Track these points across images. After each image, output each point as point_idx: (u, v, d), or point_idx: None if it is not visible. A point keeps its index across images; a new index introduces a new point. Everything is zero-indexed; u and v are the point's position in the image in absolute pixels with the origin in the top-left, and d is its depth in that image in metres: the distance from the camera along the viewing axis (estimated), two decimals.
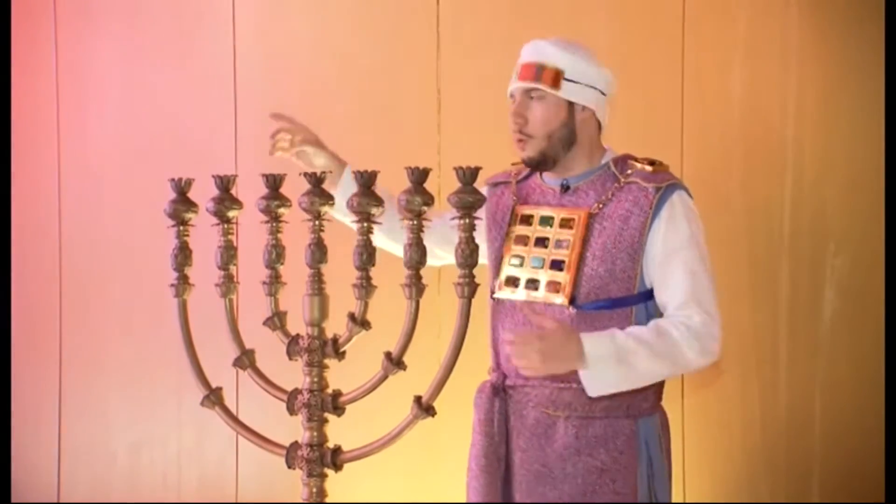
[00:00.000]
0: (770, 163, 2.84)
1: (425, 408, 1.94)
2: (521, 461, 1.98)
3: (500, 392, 2.01)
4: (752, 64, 2.85)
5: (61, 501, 3.45)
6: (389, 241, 2.16)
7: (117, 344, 3.39)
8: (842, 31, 2.80)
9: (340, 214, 2.14)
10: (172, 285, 2.11)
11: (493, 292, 2.06)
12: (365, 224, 1.91)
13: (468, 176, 1.84)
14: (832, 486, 2.81)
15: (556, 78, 1.97)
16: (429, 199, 1.87)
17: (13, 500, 3.32)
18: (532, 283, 1.97)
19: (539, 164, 2.01)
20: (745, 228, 2.85)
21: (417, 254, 1.89)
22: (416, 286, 1.90)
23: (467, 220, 1.87)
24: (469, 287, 1.90)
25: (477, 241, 1.91)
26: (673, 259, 1.90)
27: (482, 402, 2.03)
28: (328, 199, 1.94)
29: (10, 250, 3.40)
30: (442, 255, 2.26)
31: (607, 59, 2.91)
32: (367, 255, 1.92)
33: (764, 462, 2.86)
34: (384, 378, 1.97)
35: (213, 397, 2.12)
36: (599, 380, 1.85)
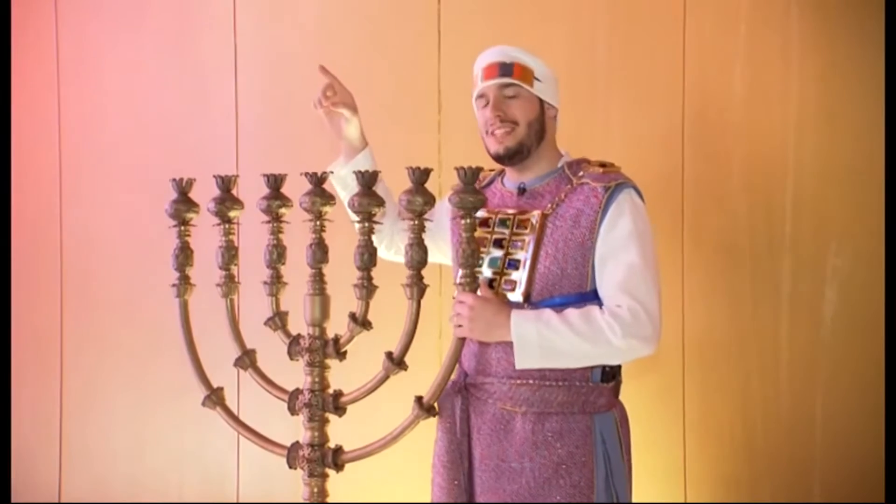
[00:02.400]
0: (771, 163, 2.84)
1: (426, 408, 1.94)
2: (481, 457, 2.02)
3: (461, 390, 2.05)
4: (753, 64, 2.85)
5: (61, 501, 3.45)
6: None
7: (118, 344, 3.39)
8: (842, 31, 2.80)
9: (341, 186, 2.24)
10: (174, 285, 2.11)
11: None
12: (366, 224, 1.92)
13: (469, 176, 1.85)
14: (833, 486, 2.81)
15: (529, 75, 2.05)
16: (430, 199, 1.87)
17: (13, 500, 3.32)
18: (490, 283, 2.02)
19: (516, 153, 2.05)
20: (745, 228, 2.85)
21: (419, 254, 1.89)
22: (417, 286, 1.91)
23: (468, 220, 1.87)
24: (470, 287, 1.90)
25: (429, 243, 1.95)
26: (612, 255, 1.95)
27: (444, 400, 2.05)
28: (329, 198, 1.95)
29: (10, 250, 3.40)
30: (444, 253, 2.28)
31: (607, 59, 2.94)
32: (368, 255, 1.92)
33: (765, 462, 2.85)
34: (385, 378, 1.97)
35: (215, 397, 2.12)
36: (525, 352, 1.91)
